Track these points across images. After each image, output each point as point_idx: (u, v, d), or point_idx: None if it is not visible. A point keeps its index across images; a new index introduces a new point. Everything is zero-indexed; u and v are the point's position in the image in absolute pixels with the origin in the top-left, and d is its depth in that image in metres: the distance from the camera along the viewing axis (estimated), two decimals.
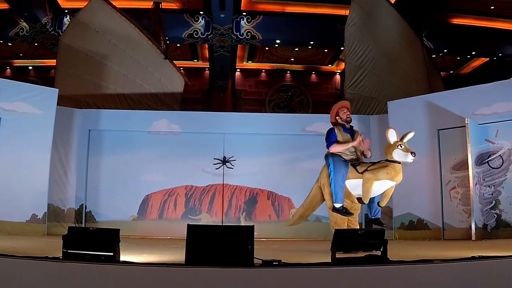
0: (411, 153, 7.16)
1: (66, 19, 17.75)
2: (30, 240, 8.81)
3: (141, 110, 14.01)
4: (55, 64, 14.19)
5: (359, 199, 7.53)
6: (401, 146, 7.22)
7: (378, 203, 7.62)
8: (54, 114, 11.28)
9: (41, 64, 21.75)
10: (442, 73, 17.71)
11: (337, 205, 7.43)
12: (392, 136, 7.34)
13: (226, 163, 12.66)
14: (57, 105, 11.41)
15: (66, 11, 17.82)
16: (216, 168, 12.67)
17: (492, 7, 17.23)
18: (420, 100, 11.89)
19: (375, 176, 7.26)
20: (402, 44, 15.15)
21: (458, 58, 21.25)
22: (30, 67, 22.05)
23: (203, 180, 12.73)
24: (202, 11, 18.44)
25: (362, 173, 7.42)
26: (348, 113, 7.96)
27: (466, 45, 19.38)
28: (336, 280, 4.61)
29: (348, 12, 14.31)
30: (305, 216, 8.53)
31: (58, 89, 11.67)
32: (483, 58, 21.10)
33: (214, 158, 12.68)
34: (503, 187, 10.39)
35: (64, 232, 5.18)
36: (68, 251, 4.96)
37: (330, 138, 7.77)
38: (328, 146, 7.76)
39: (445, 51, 19.58)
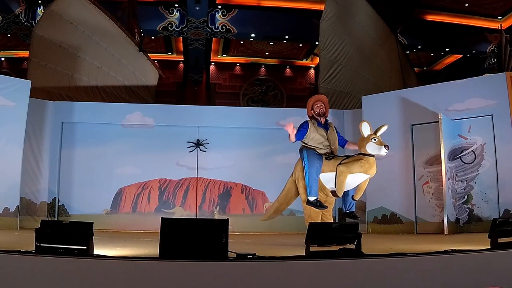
0: (385, 146, 7.20)
1: (40, 10, 17.52)
2: (2, 234, 8.74)
3: (115, 102, 13.88)
4: (28, 55, 13.97)
5: (333, 192, 7.54)
6: (375, 139, 7.26)
7: (352, 196, 7.65)
8: (26, 106, 11.12)
9: (14, 56, 21.42)
10: (416, 69, 17.88)
11: (311, 198, 7.44)
12: (365, 129, 7.37)
13: (200, 146, 12.63)
14: (30, 97, 11.26)
15: (40, 1, 17.54)
16: (190, 151, 12.63)
17: (466, 4, 17.42)
18: (394, 96, 11.98)
19: (349, 169, 7.28)
20: (377, 39, 15.24)
21: (432, 54, 21.46)
22: (3, 58, 21.70)
23: (177, 173, 12.70)
24: (177, 3, 18.33)
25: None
26: (322, 106, 7.94)
27: (440, 42, 19.58)
28: (311, 273, 4.63)
29: (324, 7, 14.33)
30: (280, 211, 8.52)
31: (31, 81, 11.51)
32: (457, 55, 21.34)
33: (188, 142, 12.64)
34: (475, 182, 10.54)
35: (36, 226, 5.12)
36: (41, 244, 4.90)
37: (298, 131, 7.76)
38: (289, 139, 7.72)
39: (419, 47, 19.75)
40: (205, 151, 12.66)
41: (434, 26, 18.66)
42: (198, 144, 12.64)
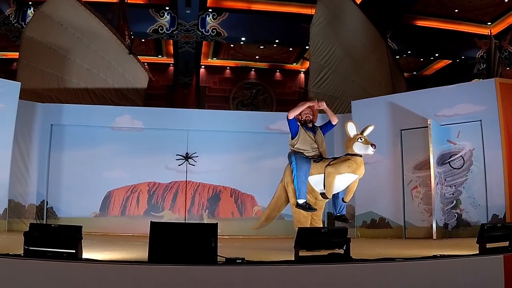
0: (371, 145, 7.23)
1: (30, 11, 17.41)
2: None
3: (104, 105, 13.83)
4: (17, 57, 13.91)
5: (323, 195, 7.55)
6: (361, 139, 7.30)
7: (342, 198, 7.67)
8: (16, 108, 11.03)
9: (3, 57, 21.26)
10: (405, 74, 17.89)
11: (301, 201, 7.45)
12: (351, 129, 7.40)
13: (189, 159, 12.61)
14: (19, 98, 11.18)
15: (30, 3, 17.44)
16: (179, 165, 12.60)
17: (456, 10, 17.46)
18: (383, 100, 12.00)
19: (337, 170, 7.29)
20: (367, 44, 15.26)
21: (422, 59, 21.51)
22: None
23: (166, 176, 12.66)
24: (168, 6, 18.27)
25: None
26: (309, 114, 7.95)
27: (430, 47, 19.62)
28: (300, 278, 4.62)
29: (314, 11, 14.33)
30: (272, 218, 8.49)
31: (20, 83, 11.44)
32: (446, 60, 21.41)
33: (177, 155, 12.61)
34: (464, 187, 10.58)
35: (25, 228, 5.09)
36: (30, 248, 4.86)
37: (292, 125, 7.80)
38: (287, 115, 7.78)
39: (408, 52, 19.79)
40: (194, 165, 12.64)
41: (423, 31, 18.70)
42: (187, 157, 12.61)
